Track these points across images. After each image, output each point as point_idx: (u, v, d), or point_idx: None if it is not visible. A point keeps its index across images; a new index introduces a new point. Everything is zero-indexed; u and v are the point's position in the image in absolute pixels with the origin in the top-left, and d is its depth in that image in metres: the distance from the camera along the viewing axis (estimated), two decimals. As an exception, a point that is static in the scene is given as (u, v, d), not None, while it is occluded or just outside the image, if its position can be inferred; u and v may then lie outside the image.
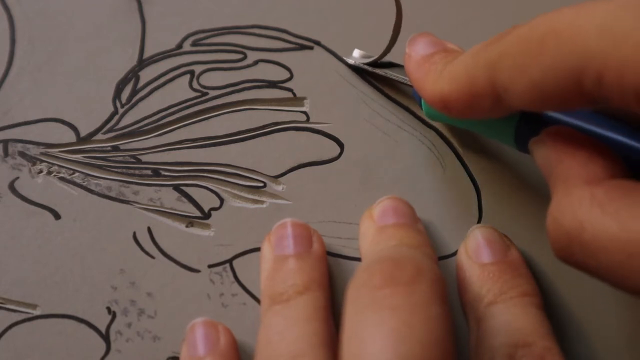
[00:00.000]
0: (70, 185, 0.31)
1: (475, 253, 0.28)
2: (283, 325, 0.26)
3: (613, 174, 0.23)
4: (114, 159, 0.31)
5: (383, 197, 0.30)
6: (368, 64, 0.32)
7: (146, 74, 0.32)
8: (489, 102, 0.24)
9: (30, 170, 0.31)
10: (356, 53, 0.32)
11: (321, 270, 0.28)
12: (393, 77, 0.31)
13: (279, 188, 0.31)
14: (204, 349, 0.28)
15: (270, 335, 0.26)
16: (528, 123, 0.26)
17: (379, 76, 0.32)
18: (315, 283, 0.27)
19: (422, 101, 0.30)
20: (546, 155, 0.24)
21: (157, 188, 0.31)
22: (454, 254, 0.30)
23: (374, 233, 0.29)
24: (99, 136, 0.32)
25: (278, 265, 0.28)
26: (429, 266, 0.23)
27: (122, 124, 0.32)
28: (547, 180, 0.25)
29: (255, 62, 0.33)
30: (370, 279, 0.23)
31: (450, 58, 0.27)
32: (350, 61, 0.32)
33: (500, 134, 0.27)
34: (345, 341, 0.22)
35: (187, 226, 0.31)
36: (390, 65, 0.32)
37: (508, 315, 0.26)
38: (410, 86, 0.30)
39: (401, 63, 0.30)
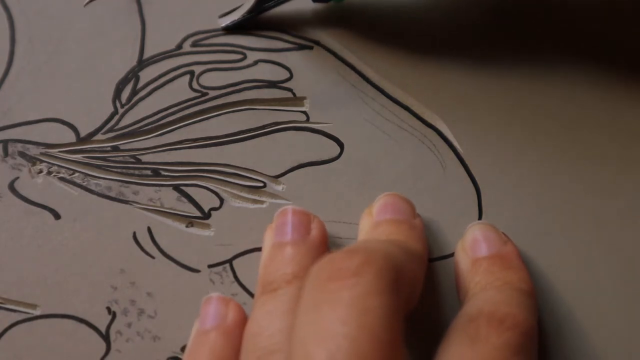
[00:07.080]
0: (70, 185, 0.31)
1: (472, 248, 0.28)
2: (265, 317, 0.26)
3: None
4: (113, 159, 0.31)
5: (383, 193, 0.30)
6: (250, 11, 0.32)
7: (146, 74, 0.32)
8: None
9: (30, 170, 0.31)
10: (222, 18, 0.33)
11: (316, 257, 0.28)
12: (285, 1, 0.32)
13: (279, 188, 0.31)
14: (211, 324, 0.28)
15: (254, 328, 0.26)
16: None
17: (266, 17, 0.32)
18: (306, 271, 0.27)
19: None
20: None
21: (157, 188, 0.31)
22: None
23: (368, 229, 0.29)
24: (99, 136, 0.32)
25: (273, 253, 0.28)
26: (380, 255, 0.23)
27: (122, 124, 0.32)
28: None
29: (255, 62, 0.33)
30: (319, 272, 0.23)
31: None
32: (228, 23, 0.32)
33: None
34: (293, 338, 0.23)
35: (187, 226, 0.31)
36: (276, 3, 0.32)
37: (482, 295, 0.27)
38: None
39: None
